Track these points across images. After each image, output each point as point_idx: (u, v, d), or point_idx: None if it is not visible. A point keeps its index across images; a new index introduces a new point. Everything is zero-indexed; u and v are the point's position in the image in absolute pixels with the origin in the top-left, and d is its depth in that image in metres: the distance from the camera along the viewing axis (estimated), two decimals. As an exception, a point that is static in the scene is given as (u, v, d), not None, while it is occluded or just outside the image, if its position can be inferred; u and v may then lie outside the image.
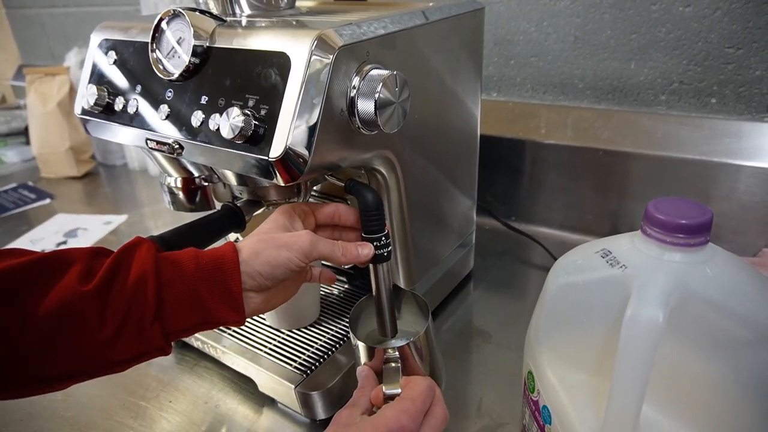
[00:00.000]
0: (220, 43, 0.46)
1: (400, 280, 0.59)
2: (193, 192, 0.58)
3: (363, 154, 0.48)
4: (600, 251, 0.38)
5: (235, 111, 0.41)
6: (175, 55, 0.47)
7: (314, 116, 0.41)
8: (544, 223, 0.88)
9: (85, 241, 0.91)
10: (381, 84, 0.42)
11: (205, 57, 0.46)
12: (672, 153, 0.75)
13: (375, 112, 0.43)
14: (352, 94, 0.43)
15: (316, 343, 0.57)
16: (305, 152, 0.41)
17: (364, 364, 0.45)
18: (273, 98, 0.41)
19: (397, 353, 0.44)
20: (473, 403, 0.55)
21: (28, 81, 1.20)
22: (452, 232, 0.68)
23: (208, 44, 0.46)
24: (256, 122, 0.41)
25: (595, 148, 0.79)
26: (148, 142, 0.49)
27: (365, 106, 0.43)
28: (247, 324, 0.61)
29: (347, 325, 0.49)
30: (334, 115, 0.42)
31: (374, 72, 0.43)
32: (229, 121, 0.41)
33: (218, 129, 0.42)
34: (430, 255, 0.64)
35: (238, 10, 0.52)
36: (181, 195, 0.58)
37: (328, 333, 0.59)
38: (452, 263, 0.70)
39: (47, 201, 1.09)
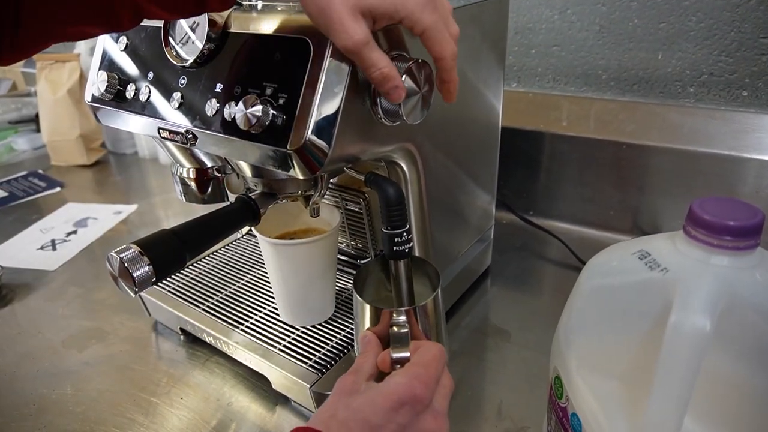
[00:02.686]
0: (236, 29, 0.44)
1: (418, 276, 0.57)
2: (206, 183, 0.56)
3: (384, 147, 0.46)
4: (637, 252, 0.36)
5: (252, 99, 0.39)
6: (188, 41, 0.45)
7: (335, 106, 0.39)
8: (563, 218, 0.86)
9: (95, 231, 0.90)
10: (405, 73, 0.40)
11: (220, 43, 0.44)
12: (699, 147, 0.72)
13: (398, 103, 0.40)
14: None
15: (332, 340, 0.55)
16: (325, 144, 0.39)
17: (368, 329, 0.43)
18: (292, 87, 0.39)
19: (404, 317, 0.42)
20: (493, 405, 0.53)
21: (38, 68, 1.18)
22: (471, 227, 0.66)
23: (223, 29, 0.44)
24: (274, 111, 0.39)
25: (618, 142, 0.77)
26: (161, 131, 0.47)
27: (388, 97, 0.41)
28: (259, 319, 0.59)
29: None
30: (356, 106, 0.40)
31: (398, 60, 0.41)
32: (245, 111, 0.39)
33: (234, 118, 0.40)
34: (448, 250, 0.62)
35: (254, -7, 0.49)
36: (193, 186, 0.56)
37: (343, 330, 0.57)
38: (470, 259, 0.68)
39: (57, 189, 1.08)
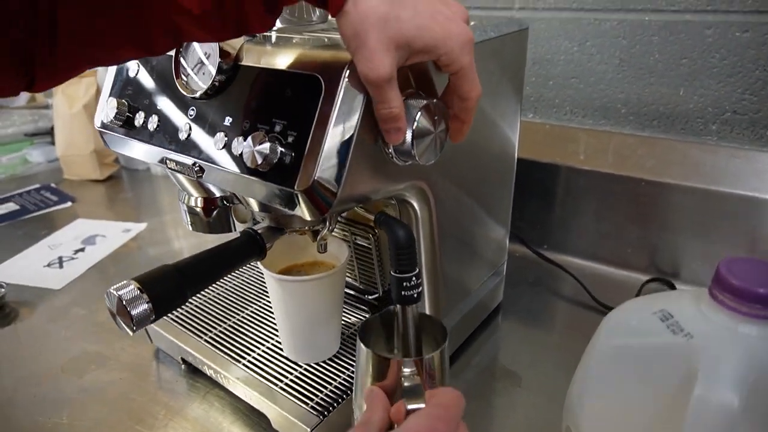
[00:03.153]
0: (248, 61, 0.43)
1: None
2: (214, 213, 0.55)
3: (395, 186, 0.44)
4: (659, 313, 0.34)
5: (260, 137, 0.38)
6: (199, 72, 0.45)
7: (346, 145, 0.38)
8: (577, 254, 0.83)
9: (103, 249, 0.90)
10: (419, 112, 0.39)
11: (231, 75, 0.43)
12: (721, 187, 0.70)
13: (411, 143, 0.39)
14: (387, 123, 0.40)
15: (335, 380, 0.54)
16: (334, 185, 0.38)
17: (373, 384, 0.40)
18: (302, 124, 0.38)
19: (414, 368, 0.39)
20: (500, 455, 0.51)
21: (56, 82, 1.19)
22: (484, 263, 0.64)
23: (234, 62, 0.43)
24: (283, 149, 0.38)
25: (637, 178, 0.75)
26: (168, 161, 0.46)
27: (401, 136, 0.39)
28: (262, 353, 0.57)
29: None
30: (368, 145, 0.39)
31: (412, 99, 0.39)
32: (253, 148, 0.38)
33: (241, 154, 0.39)
34: (459, 288, 0.60)
35: (268, 24, 0.49)
36: (200, 215, 0.55)
37: (348, 368, 0.55)
38: (483, 295, 0.66)
39: (68, 204, 1.08)
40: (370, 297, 0.64)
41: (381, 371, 0.40)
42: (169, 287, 0.41)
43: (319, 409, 0.49)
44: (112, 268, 0.85)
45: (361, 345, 0.42)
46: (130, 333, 0.40)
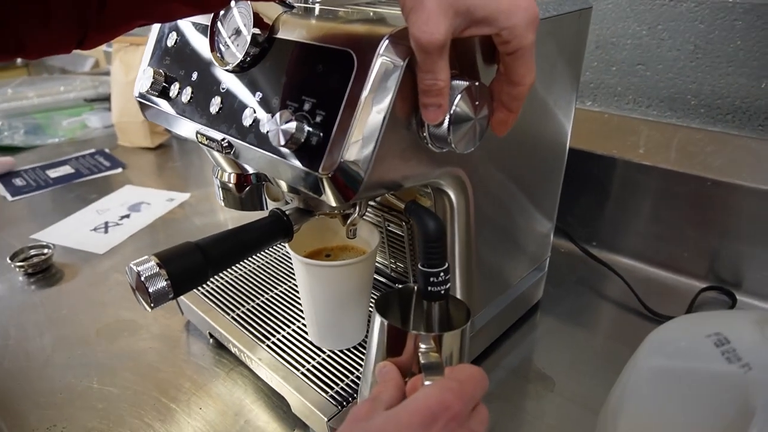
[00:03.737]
0: (282, 34, 0.41)
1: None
2: (246, 190, 0.54)
3: (430, 173, 0.41)
4: (714, 336, 0.30)
5: (286, 115, 0.36)
6: (234, 43, 0.43)
7: (376, 128, 0.35)
8: (628, 254, 0.78)
9: (147, 216, 0.91)
10: (459, 96, 0.35)
11: (265, 48, 0.41)
12: (799, 192, 0.63)
13: (448, 128, 0.36)
14: (423, 105, 0.37)
15: (358, 369, 0.52)
16: (361, 169, 0.35)
17: (387, 358, 0.38)
18: (331, 103, 0.35)
19: (432, 344, 0.37)
20: (526, 464, 0.48)
21: (114, 49, 1.22)
22: (525, 257, 0.61)
23: (269, 34, 0.41)
24: (310, 129, 0.36)
25: (702, 177, 0.68)
26: (198, 135, 0.45)
27: (437, 120, 0.36)
28: (287, 335, 0.56)
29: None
30: (400, 129, 0.36)
31: (453, 80, 0.36)
32: (279, 126, 0.36)
33: (268, 132, 0.37)
34: (496, 283, 0.57)
35: (311, -6, 0.46)
36: (233, 192, 0.54)
37: (372, 358, 0.53)
38: (521, 290, 0.63)
39: (119, 170, 1.11)
40: (400, 286, 0.62)
41: (396, 345, 0.38)
42: (190, 265, 0.40)
43: (339, 399, 0.48)
44: (153, 237, 0.86)
45: (377, 315, 0.39)
46: (149, 309, 0.39)
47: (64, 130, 1.32)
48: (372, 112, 0.35)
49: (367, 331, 0.56)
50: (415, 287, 0.43)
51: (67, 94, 1.42)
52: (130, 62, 1.20)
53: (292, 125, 0.35)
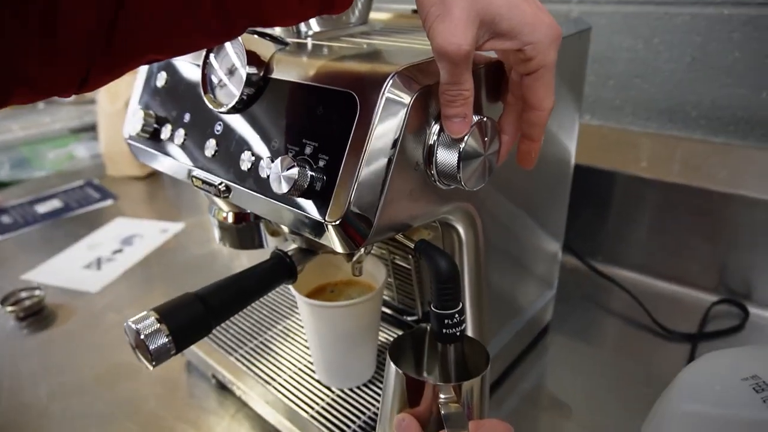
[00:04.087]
0: (278, 73, 0.39)
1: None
2: (245, 229, 0.52)
3: (438, 210, 0.40)
4: (750, 380, 0.28)
5: (287, 161, 0.34)
6: (227, 84, 0.41)
7: (383, 171, 0.33)
8: (634, 268, 0.77)
9: (141, 249, 0.89)
10: (469, 132, 0.34)
11: (260, 88, 0.40)
12: (806, 202, 0.62)
13: (458, 165, 0.35)
14: (430, 142, 0.35)
15: (370, 408, 0.50)
16: (370, 215, 0.34)
17: (403, 410, 0.36)
18: (334, 147, 0.34)
19: (452, 395, 0.35)
20: (549, 502, 0.46)
21: (99, 77, 1.20)
22: (535, 280, 0.59)
23: (264, 74, 0.40)
24: (313, 173, 0.34)
25: (707, 189, 0.67)
26: (194, 180, 0.43)
27: (446, 158, 0.35)
28: (294, 377, 0.54)
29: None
30: (408, 169, 0.35)
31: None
32: (280, 173, 0.34)
33: (268, 177, 0.36)
34: (507, 308, 0.55)
35: (304, 27, 0.45)
36: (231, 231, 0.52)
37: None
38: (530, 316, 0.61)
39: (110, 202, 1.08)
40: (408, 318, 0.60)
41: (414, 396, 0.36)
42: (191, 318, 0.38)
43: (352, 444, 0.46)
44: (147, 271, 0.84)
45: (392, 365, 0.37)
46: (150, 368, 0.37)
47: (50, 162, 1.29)
48: (378, 155, 0.33)
49: (377, 368, 0.55)
50: (428, 328, 0.41)
51: (52, 125, 1.39)
52: (117, 91, 1.18)
53: (294, 171, 0.34)
